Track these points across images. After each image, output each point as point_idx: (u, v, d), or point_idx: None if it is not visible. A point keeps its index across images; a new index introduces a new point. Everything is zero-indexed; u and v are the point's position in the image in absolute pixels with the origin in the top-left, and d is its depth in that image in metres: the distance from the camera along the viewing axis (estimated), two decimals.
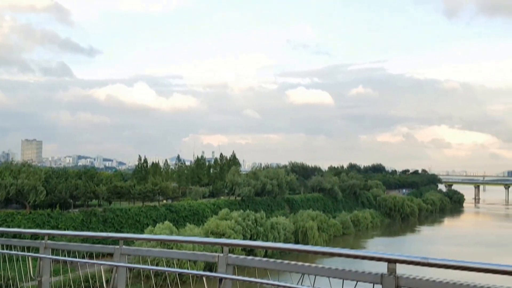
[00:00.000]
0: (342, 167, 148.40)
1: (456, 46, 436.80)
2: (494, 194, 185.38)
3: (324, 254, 4.78)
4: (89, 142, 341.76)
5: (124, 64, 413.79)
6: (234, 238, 56.25)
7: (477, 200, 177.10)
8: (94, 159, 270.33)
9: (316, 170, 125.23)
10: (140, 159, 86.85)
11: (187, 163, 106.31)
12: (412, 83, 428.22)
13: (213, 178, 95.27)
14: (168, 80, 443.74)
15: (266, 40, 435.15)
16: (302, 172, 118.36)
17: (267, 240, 61.38)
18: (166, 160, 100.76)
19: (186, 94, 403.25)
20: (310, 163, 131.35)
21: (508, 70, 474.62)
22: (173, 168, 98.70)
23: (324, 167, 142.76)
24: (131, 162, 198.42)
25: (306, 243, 68.24)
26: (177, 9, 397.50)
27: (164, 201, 74.03)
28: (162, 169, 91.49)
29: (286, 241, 65.76)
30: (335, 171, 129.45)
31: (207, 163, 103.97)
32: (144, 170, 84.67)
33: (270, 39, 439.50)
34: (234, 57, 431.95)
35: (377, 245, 77.39)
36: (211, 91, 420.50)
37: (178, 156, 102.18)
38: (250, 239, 60.10)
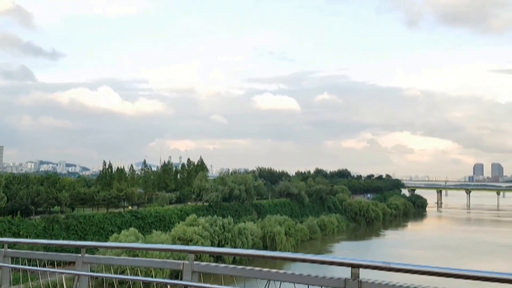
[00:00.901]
0: (309, 172, 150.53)
1: (417, 54, 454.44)
2: (456, 199, 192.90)
3: (290, 260, 4.87)
4: (52, 147, 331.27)
5: (88, 68, 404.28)
6: (201, 244, 55.79)
7: (439, 204, 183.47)
8: (57, 165, 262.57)
9: (283, 175, 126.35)
10: (104, 164, 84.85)
11: (154, 169, 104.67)
12: (375, 90, 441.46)
13: (180, 183, 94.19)
14: (134, 84, 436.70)
15: (233, 46, 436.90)
16: (270, 177, 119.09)
17: (235, 246, 61.21)
18: (131, 166, 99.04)
19: (152, 99, 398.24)
20: (278, 168, 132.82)
21: (467, 78, 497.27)
22: (139, 173, 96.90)
23: (291, 172, 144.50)
24: (95, 167, 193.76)
25: (274, 248, 68.56)
26: (143, 14, 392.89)
27: (130, 208, 72.50)
28: (127, 175, 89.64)
29: (254, 246, 65.84)
30: (302, 176, 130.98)
31: (174, 169, 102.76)
32: (109, 176, 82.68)
33: (236, 45, 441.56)
34: (201, 62, 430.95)
35: (343, 249, 78.67)
36: (178, 95, 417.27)
37: (144, 161, 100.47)
38: (218, 245, 59.77)
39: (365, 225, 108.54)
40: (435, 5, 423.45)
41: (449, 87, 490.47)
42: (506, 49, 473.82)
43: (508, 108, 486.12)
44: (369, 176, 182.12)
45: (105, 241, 53.66)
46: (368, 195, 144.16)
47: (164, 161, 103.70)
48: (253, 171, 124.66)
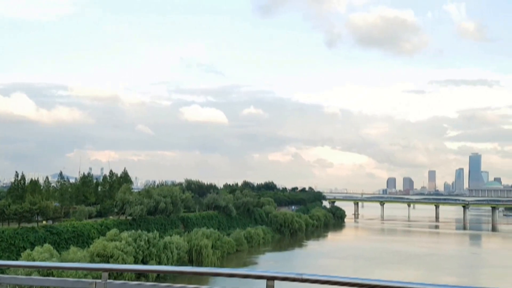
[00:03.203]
0: (237, 184, 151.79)
1: (336, 74, 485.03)
2: (371, 210, 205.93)
3: (206, 274, 4.97)
4: None
5: None
6: (123, 260, 53.56)
7: (356, 215, 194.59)
8: None
9: (211, 187, 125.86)
10: (16, 175, 78.88)
11: (72, 181, 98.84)
12: (298, 106, 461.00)
13: (101, 196, 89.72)
14: (51, 90, 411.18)
15: (160, 56, 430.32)
16: (198, 189, 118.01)
17: (160, 261, 59.55)
18: (47, 177, 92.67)
19: (71, 106, 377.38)
20: (206, 180, 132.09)
21: (380, 97, 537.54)
22: (55, 186, 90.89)
23: (220, 184, 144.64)
24: (6, 179, 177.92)
25: (200, 262, 67.90)
26: (64, 18, 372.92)
27: (44, 222, 67.56)
28: (42, 187, 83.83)
29: (179, 260, 64.55)
30: (230, 189, 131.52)
31: (94, 181, 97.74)
32: (21, 188, 76.84)
33: (163, 55, 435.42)
34: (125, 70, 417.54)
35: (268, 261, 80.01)
36: (100, 104, 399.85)
37: (61, 173, 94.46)
38: (142, 260, 57.80)
39: (289, 236, 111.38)
40: (352, 27, 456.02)
41: (364, 105, 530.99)
42: (415, 71, 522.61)
43: (418, 127, 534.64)
44: (294, 189, 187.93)
45: (16, 258, 49.50)
46: (293, 207, 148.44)
47: (84, 173, 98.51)
48: (181, 184, 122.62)
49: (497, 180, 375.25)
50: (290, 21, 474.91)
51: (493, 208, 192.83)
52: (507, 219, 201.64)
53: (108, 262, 52.04)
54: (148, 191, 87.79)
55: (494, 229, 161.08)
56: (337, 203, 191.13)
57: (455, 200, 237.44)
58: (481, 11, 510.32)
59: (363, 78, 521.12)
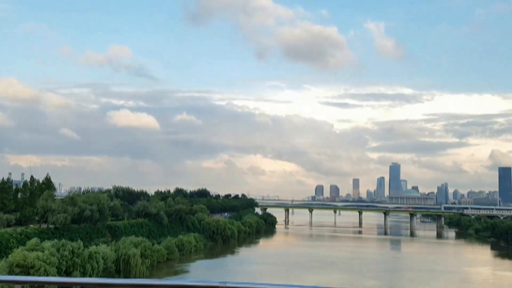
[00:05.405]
0: (169, 191, 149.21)
1: (266, 83, 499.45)
2: (300, 217, 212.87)
3: (128, 286, 4.82)
4: None
5: None
6: (45, 271, 50.81)
7: (287, 222, 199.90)
8: None
9: (142, 194, 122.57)
10: None
11: None
12: (232, 114, 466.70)
13: (21, 204, 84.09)
14: None
15: (85, 57, 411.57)
16: (127, 197, 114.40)
17: (84, 272, 57.10)
18: None
19: None
20: (136, 187, 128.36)
21: (308, 109, 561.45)
22: None
23: (151, 191, 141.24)
24: None
25: (128, 272, 66.05)
26: None
27: None
28: None
29: (105, 270, 62.32)
30: (162, 196, 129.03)
31: (14, 187, 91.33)
32: None
33: (89, 57, 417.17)
34: (48, 71, 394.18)
35: (199, 268, 79.76)
36: (20, 106, 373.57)
37: None
38: (66, 271, 55.11)
39: (221, 243, 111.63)
40: (280, 40, 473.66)
41: (293, 115, 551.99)
42: (339, 85, 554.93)
43: (342, 137, 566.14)
44: (227, 196, 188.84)
45: None
46: (226, 214, 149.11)
47: (2, 178, 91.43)
48: (109, 190, 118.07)
49: (415, 188, 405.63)
50: (221, 31, 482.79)
51: (411, 215, 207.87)
52: (424, 225, 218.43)
53: (28, 273, 49.16)
54: (72, 198, 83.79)
55: (412, 234, 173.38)
56: (269, 210, 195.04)
57: (377, 206, 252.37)
58: (399, 30, 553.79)
59: (291, 90, 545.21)
